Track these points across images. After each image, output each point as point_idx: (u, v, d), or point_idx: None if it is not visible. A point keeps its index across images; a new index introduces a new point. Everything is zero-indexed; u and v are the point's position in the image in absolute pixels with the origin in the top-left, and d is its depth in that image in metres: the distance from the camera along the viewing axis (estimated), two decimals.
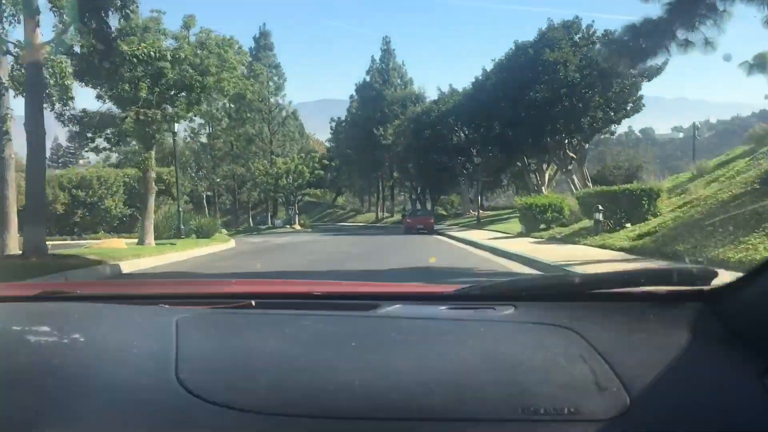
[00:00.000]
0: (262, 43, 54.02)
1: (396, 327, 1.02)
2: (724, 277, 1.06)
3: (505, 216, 35.36)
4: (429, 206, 49.86)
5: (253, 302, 1.22)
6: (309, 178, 48.27)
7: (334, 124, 73.32)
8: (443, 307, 1.17)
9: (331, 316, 1.10)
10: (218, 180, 61.11)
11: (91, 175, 37.54)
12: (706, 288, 1.05)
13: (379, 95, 55.48)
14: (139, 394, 0.73)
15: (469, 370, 0.84)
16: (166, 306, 1.20)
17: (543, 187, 39.64)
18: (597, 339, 0.91)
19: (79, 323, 0.96)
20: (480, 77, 36.40)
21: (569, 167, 34.71)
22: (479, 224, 32.11)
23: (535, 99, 30.00)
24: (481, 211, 43.71)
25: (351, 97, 67.49)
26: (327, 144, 72.10)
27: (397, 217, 57.08)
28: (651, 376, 0.82)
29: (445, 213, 50.21)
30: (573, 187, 33.01)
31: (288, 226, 47.68)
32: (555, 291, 1.18)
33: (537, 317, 1.03)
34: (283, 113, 56.09)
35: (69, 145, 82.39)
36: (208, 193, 62.73)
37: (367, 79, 58.95)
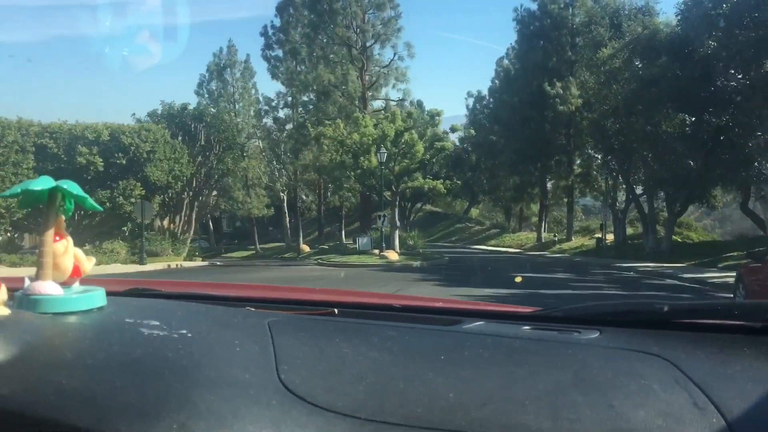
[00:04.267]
0: None
1: (482, 343, 1.04)
2: None
3: None
4: (654, 224, 25.31)
5: (336, 310, 1.28)
6: (422, 157, 25.50)
7: (471, 100, 50.09)
8: (526, 327, 1.17)
9: (415, 328, 1.13)
10: (298, 173, 40.57)
11: None
12: None
13: (557, 25, 31.94)
14: (246, 390, 0.77)
15: (561, 389, 0.85)
16: (253, 309, 1.25)
17: None
18: (690, 368, 0.92)
19: (183, 319, 0.99)
20: None
21: None
22: None
23: None
24: None
25: (498, 61, 44.72)
26: (462, 132, 48.93)
27: (580, 242, 32.82)
28: (751, 407, 0.83)
29: (695, 242, 25.46)
30: None
31: (378, 251, 25.04)
32: (641, 318, 1.19)
33: (624, 343, 1.04)
34: (390, 52, 33.68)
35: None
36: (285, 195, 42.38)
37: (533, 8, 35.39)
